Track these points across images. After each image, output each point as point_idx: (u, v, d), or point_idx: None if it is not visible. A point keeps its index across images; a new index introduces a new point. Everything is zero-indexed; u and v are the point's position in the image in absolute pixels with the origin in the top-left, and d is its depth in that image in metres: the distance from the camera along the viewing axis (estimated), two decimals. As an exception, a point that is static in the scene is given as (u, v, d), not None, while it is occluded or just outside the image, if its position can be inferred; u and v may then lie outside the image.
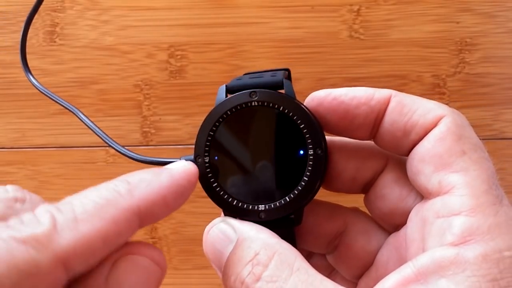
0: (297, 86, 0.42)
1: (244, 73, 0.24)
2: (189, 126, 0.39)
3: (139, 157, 0.23)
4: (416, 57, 0.39)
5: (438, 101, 0.20)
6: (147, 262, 0.16)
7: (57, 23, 0.40)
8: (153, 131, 0.40)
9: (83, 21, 0.40)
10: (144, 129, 0.40)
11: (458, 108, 0.20)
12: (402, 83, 0.39)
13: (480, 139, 0.19)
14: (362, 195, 0.23)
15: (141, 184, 0.17)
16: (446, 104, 0.20)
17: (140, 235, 0.40)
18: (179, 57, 0.40)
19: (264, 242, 0.18)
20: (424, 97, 0.20)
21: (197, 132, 0.21)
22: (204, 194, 0.21)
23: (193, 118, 0.40)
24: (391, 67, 0.39)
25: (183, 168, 0.19)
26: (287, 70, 0.23)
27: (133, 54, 0.40)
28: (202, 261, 0.40)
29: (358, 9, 0.39)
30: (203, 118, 0.21)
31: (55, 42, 0.40)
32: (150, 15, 0.40)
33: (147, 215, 0.16)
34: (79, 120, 0.25)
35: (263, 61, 0.39)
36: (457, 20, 0.39)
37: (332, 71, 0.40)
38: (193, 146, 0.21)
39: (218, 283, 0.39)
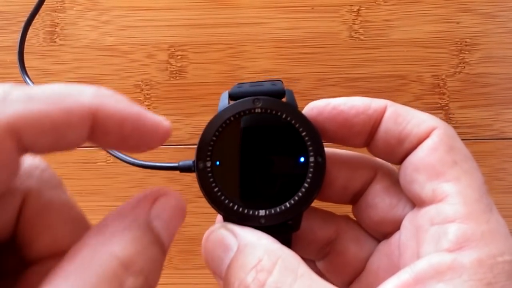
0: (297, 86, 0.42)
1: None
2: (189, 126, 0.39)
3: (136, 161, 0.23)
4: (416, 57, 0.39)
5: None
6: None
7: (57, 23, 0.40)
8: (153, 131, 0.40)
9: (83, 22, 0.40)
10: (144, 129, 0.40)
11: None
12: (402, 83, 0.39)
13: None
14: (349, 209, 0.24)
15: (110, 97, 0.17)
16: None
17: (140, 235, 0.40)
18: (179, 57, 0.40)
19: (266, 248, 0.19)
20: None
21: (199, 136, 0.21)
22: (204, 194, 0.21)
23: (194, 118, 0.40)
24: (391, 67, 0.39)
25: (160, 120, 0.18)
26: (280, 80, 0.23)
27: (134, 54, 0.40)
28: (202, 261, 0.40)
29: (358, 9, 0.39)
30: (203, 118, 0.21)
31: (55, 42, 0.40)
32: (150, 15, 0.40)
33: (100, 125, 0.16)
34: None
35: (263, 61, 0.39)
36: (457, 20, 0.39)
37: (332, 71, 0.40)
38: (193, 146, 0.21)
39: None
